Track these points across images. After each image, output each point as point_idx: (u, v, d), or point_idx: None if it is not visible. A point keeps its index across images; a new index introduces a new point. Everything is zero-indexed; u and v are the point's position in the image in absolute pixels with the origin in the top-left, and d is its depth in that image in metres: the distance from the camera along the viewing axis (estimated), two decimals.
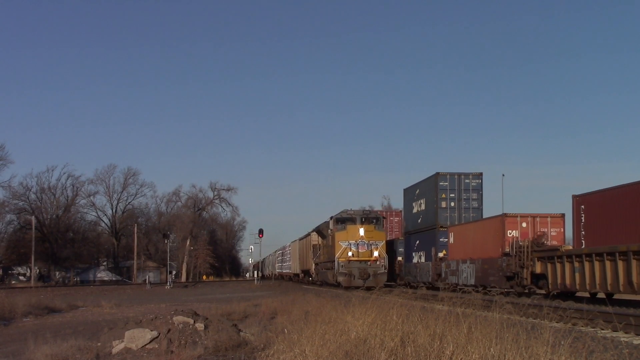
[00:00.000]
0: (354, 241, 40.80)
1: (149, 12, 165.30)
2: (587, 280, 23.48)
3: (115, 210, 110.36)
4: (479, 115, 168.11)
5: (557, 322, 13.27)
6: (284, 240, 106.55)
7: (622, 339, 12.78)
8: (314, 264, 53.14)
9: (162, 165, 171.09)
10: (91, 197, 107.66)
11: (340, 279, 40.22)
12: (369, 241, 40.97)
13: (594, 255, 23.09)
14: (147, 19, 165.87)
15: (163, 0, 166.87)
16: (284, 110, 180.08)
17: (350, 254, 40.52)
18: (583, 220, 24.98)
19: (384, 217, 45.34)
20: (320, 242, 50.67)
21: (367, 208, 45.46)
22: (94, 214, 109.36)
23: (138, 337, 13.11)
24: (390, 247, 47.33)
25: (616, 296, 23.75)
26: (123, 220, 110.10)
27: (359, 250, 40.70)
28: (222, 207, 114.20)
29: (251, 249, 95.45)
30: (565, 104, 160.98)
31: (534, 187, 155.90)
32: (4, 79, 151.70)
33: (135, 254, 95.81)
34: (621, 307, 20.29)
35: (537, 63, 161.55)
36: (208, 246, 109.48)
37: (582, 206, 25.09)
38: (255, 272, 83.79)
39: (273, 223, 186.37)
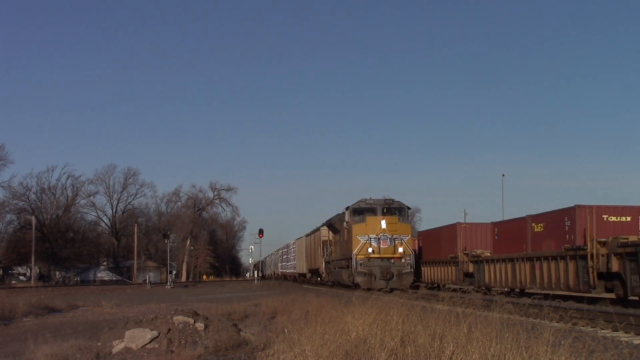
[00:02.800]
0: (374, 235, 35.14)
1: (147, 11, 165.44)
2: (426, 277, 42.23)
3: (115, 210, 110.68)
4: (479, 114, 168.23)
5: (557, 322, 13.26)
6: (284, 240, 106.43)
7: (622, 339, 12.78)
8: (324, 263, 47.85)
9: (162, 165, 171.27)
10: (91, 197, 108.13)
11: (359, 279, 34.67)
12: (392, 235, 35.21)
13: (427, 263, 42.43)
14: (146, 17, 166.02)
15: None
16: (285, 110, 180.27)
17: (370, 250, 34.88)
18: (421, 245, 44.88)
19: (409, 208, 38.86)
20: (331, 238, 45.08)
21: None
22: (94, 214, 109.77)
23: (138, 337, 13.11)
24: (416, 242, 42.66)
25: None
26: (123, 220, 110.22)
27: (381, 246, 35.03)
28: (222, 207, 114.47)
29: (251, 249, 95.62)
30: (566, 104, 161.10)
31: (534, 186, 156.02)
32: (4, 78, 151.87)
33: (135, 254, 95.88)
34: (621, 307, 20.30)
35: (538, 62, 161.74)
36: (208, 246, 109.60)
37: (420, 237, 45.72)
38: (256, 272, 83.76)
39: (273, 223, 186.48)
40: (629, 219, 25.44)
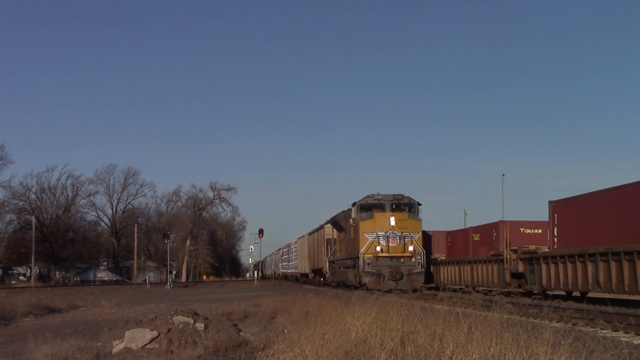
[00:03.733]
0: (383, 233, 33.11)
1: (148, 10, 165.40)
2: None
3: (115, 210, 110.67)
4: (479, 114, 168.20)
5: (557, 322, 13.27)
6: (284, 241, 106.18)
7: (622, 339, 12.78)
8: (328, 262, 45.80)
9: (162, 165, 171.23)
10: (91, 197, 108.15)
11: (366, 279, 32.36)
12: (402, 233, 33.18)
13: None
14: (146, 17, 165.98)
15: None
16: (285, 110, 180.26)
17: (378, 248, 32.86)
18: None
19: (419, 204, 35.70)
20: (336, 236, 42.96)
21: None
22: (94, 214, 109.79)
23: (138, 337, 13.11)
24: (427, 241, 39.03)
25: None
26: (123, 220, 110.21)
27: (390, 244, 32.97)
28: (222, 207, 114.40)
29: (251, 249, 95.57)
30: (566, 104, 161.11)
31: (534, 186, 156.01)
32: (4, 78, 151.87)
33: (135, 254, 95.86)
34: (621, 307, 20.32)
35: (538, 62, 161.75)
36: (208, 246, 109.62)
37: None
38: (256, 272, 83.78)
39: (273, 223, 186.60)
40: (540, 231, 31.52)
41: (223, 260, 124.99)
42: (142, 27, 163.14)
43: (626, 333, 13.98)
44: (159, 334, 13.28)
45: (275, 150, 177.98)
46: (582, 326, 13.00)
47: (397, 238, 33.15)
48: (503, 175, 67.88)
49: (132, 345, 12.99)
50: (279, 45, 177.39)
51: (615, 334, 13.72)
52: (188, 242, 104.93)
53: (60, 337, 13.92)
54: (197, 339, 13.34)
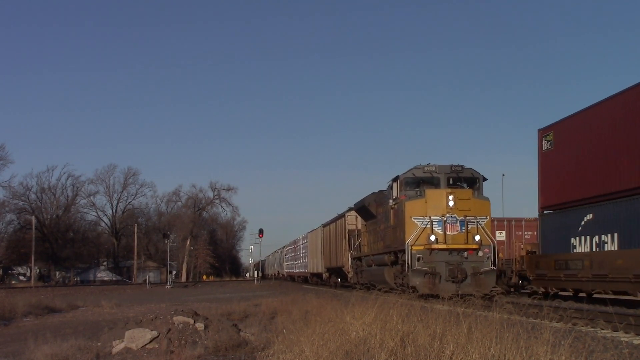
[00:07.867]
0: (438, 217, 24.08)
1: (147, 11, 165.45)
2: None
3: (115, 210, 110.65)
4: (478, 113, 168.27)
5: (557, 322, 13.26)
6: (284, 240, 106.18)
7: (622, 339, 12.76)
8: (350, 259, 37.29)
9: (162, 165, 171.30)
10: (91, 197, 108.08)
11: (416, 281, 23.59)
12: (464, 217, 24.03)
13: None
14: (146, 17, 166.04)
15: None
16: (285, 109, 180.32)
17: (432, 238, 23.80)
18: None
19: (485, 178, 26.16)
20: (362, 226, 34.71)
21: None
22: (94, 214, 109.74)
23: (138, 337, 13.12)
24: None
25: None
26: (123, 220, 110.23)
27: (448, 232, 24.00)
28: (222, 207, 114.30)
29: (251, 248, 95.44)
30: (565, 104, 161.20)
31: (534, 186, 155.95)
32: (4, 78, 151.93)
33: (135, 254, 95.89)
34: (621, 307, 20.34)
35: (538, 62, 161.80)
36: (208, 246, 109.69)
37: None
38: (256, 272, 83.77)
39: (273, 223, 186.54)
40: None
41: (223, 260, 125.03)
42: (142, 27, 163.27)
43: (626, 333, 13.96)
44: (159, 334, 13.29)
45: (275, 150, 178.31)
46: (582, 326, 12.99)
47: (458, 224, 24.34)
48: (503, 175, 67.51)
49: (132, 345, 13.00)
50: (280, 45, 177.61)
51: (615, 334, 13.70)
52: (188, 242, 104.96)
53: (60, 337, 13.90)
54: (197, 339, 13.35)
